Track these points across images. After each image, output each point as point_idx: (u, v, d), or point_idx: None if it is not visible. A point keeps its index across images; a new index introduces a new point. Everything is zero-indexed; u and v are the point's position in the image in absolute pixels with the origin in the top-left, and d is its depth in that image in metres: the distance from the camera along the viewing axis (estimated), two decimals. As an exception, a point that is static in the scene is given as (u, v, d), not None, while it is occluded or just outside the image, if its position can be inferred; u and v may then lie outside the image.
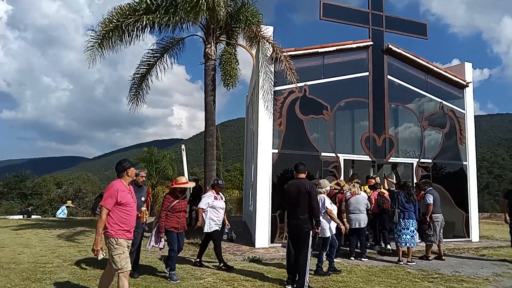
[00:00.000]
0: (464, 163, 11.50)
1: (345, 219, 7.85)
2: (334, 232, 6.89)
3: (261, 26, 9.58)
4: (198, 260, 7.10)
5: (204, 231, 6.88)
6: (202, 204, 6.81)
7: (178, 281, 5.83)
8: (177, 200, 6.13)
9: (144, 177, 6.15)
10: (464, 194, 11.32)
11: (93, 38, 8.99)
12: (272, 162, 9.43)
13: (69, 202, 20.37)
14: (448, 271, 7.29)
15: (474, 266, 7.87)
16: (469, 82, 11.63)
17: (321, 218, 6.22)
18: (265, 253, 8.27)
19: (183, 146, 20.87)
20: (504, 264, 8.09)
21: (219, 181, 7.23)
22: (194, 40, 10.74)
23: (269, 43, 9.48)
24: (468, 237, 11.18)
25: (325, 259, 6.87)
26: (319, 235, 6.27)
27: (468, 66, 11.91)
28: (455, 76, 11.46)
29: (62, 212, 17.83)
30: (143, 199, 6.01)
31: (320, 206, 6.40)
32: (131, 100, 10.48)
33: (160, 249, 6.37)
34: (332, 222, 6.79)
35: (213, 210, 6.82)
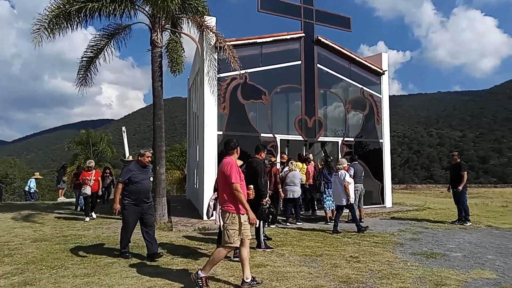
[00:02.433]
0: (381, 140, 13.43)
1: (281, 190, 9.28)
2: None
3: (205, 16, 10.29)
4: None
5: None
6: None
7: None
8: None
9: (149, 157, 6.25)
10: (380, 167, 13.28)
11: (39, 22, 9.18)
12: (217, 143, 10.40)
13: (36, 174, 19.13)
14: (364, 229, 8.93)
15: (384, 225, 9.64)
16: (385, 70, 13.46)
17: (339, 189, 8.33)
18: (213, 224, 9.30)
19: (123, 128, 20.98)
20: (407, 223, 9.97)
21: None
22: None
23: (213, 33, 10.25)
24: (383, 203, 13.20)
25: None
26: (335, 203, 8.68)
27: (384, 56, 13.73)
28: (373, 65, 13.21)
29: (30, 185, 17.18)
30: (151, 179, 6.29)
31: (342, 179, 8.35)
32: (79, 82, 10.82)
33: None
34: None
35: None
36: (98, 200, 11.65)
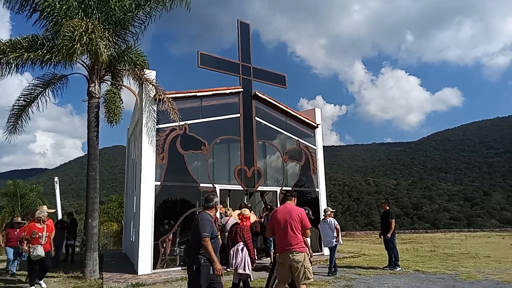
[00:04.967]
0: (317, 189, 14.02)
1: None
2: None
3: (145, 70, 10.53)
4: None
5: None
6: None
7: None
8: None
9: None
10: (317, 215, 13.70)
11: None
12: (155, 194, 10.25)
13: None
14: (301, 278, 9.07)
15: (321, 273, 9.85)
16: (318, 124, 14.39)
17: (329, 233, 9.64)
18: (148, 279, 8.94)
19: (56, 179, 19.87)
20: (343, 270, 10.27)
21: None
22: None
23: (152, 85, 10.47)
24: (321, 251, 13.49)
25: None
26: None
27: (318, 111, 14.74)
28: (308, 119, 14.10)
29: None
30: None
31: (332, 224, 9.65)
32: (8, 130, 10.39)
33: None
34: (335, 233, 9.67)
35: None
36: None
